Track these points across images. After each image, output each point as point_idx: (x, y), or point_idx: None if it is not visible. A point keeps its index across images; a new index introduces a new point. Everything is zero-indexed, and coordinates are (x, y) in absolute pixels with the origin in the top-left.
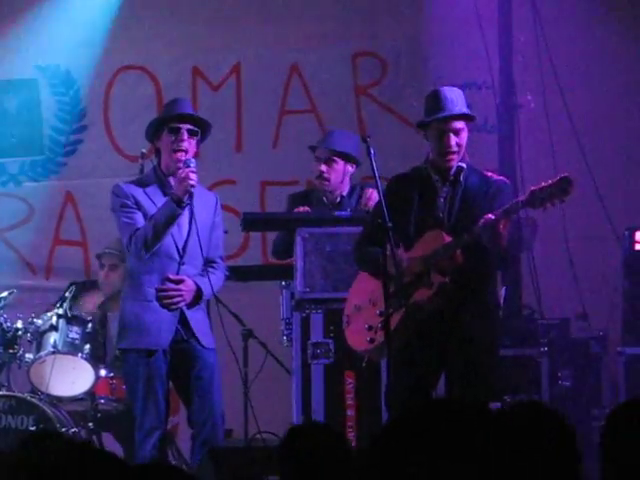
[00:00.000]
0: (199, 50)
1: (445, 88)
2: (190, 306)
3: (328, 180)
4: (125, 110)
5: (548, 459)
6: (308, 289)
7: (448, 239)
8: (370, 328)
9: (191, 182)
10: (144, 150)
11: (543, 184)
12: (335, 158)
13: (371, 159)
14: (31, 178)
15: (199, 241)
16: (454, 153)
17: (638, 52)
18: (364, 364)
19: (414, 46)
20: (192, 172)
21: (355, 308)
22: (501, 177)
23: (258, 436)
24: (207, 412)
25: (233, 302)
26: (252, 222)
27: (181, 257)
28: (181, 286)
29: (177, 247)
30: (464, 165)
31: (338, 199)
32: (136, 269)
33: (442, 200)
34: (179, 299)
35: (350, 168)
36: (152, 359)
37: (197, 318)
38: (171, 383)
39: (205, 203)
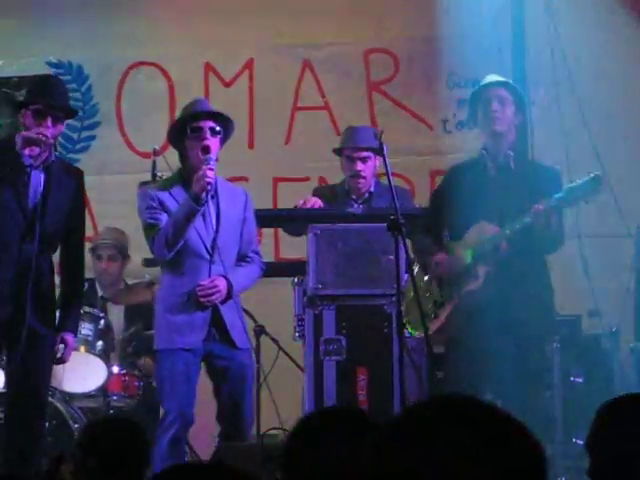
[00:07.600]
0: (211, 46)
1: None
2: (222, 302)
3: (365, 178)
4: (137, 106)
5: None
6: (320, 285)
7: (492, 230)
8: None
9: (208, 179)
10: (156, 147)
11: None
12: (369, 155)
13: (384, 155)
14: None
15: (228, 238)
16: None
17: None
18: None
19: (426, 42)
20: (210, 169)
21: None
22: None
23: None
24: (237, 413)
25: (245, 299)
26: (264, 218)
27: (211, 256)
28: (216, 282)
29: (205, 246)
30: (511, 153)
31: (367, 195)
32: (168, 271)
33: (492, 188)
34: (217, 295)
35: (377, 162)
36: (184, 358)
37: (231, 318)
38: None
39: (234, 199)
